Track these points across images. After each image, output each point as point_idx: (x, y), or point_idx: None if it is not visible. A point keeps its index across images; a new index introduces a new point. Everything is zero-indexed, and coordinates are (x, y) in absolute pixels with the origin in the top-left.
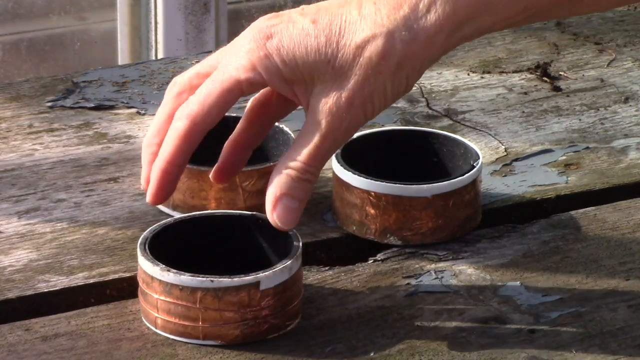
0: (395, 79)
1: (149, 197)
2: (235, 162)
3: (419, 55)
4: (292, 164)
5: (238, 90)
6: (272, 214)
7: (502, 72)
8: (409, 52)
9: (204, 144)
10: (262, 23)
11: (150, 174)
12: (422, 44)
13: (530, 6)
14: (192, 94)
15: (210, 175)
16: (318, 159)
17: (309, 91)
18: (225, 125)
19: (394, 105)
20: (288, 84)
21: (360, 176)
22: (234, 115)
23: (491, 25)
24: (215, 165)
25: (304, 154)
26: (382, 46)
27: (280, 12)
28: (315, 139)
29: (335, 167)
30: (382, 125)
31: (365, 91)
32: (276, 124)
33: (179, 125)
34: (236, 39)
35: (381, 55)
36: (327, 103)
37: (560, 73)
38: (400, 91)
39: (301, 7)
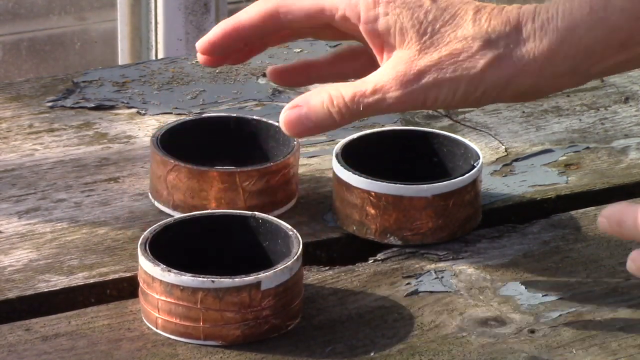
0: (471, 83)
1: (199, 46)
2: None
3: (503, 74)
4: (334, 92)
5: (330, 16)
6: (285, 111)
7: None
8: (494, 64)
9: (204, 143)
10: None
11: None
12: (510, 64)
13: (627, 43)
14: None
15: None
16: (356, 103)
17: (388, 52)
18: (226, 124)
19: None
20: (375, 35)
21: (361, 176)
22: (235, 115)
23: (588, 68)
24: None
25: (349, 90)
26: (474, 47)
27: None
28: (368, 86)
29: (335, 167)
30: (383, 125)
31: (438, 75)
32: (276, 123)
33: (267, 2)
34: None
35: (469, 54)
36: (397, 65)
37: None
38: (469, 100)
39: None
